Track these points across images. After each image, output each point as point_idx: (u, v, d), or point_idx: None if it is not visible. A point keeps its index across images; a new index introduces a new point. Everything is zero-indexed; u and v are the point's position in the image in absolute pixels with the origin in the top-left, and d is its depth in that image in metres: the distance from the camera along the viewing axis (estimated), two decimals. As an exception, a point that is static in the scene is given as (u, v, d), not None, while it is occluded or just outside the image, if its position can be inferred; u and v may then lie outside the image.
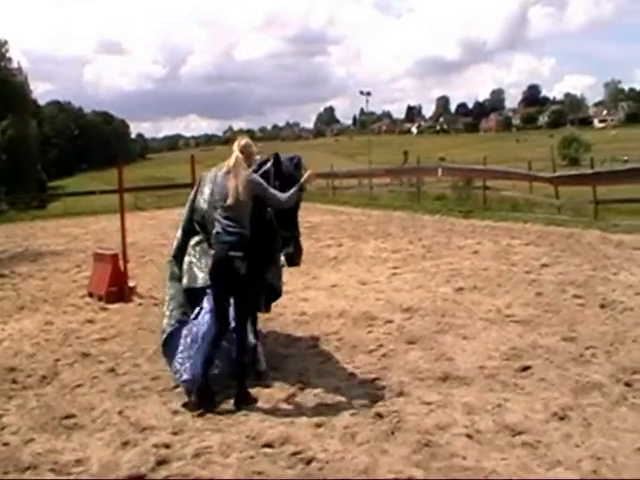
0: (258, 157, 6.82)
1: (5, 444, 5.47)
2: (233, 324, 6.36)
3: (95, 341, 8.66)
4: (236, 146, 6.38)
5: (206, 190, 7.21)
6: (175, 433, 5.55)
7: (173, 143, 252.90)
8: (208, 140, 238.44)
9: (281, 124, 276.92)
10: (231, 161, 6.29)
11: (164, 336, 6.98)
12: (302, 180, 6.37)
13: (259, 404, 6.16)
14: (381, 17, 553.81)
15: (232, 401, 6.18)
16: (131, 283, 11.60)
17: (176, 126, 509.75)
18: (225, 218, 6.20)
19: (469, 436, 5.27)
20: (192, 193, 7.67)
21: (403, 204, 27.49)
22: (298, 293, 10.88)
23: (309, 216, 22.18)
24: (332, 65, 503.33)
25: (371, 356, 7.55)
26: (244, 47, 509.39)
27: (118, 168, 12.42)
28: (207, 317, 6.66)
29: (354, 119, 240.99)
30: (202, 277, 6.95)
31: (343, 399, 6.20)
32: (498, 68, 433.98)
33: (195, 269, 7.14)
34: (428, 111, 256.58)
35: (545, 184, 24.64)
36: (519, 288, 10.75)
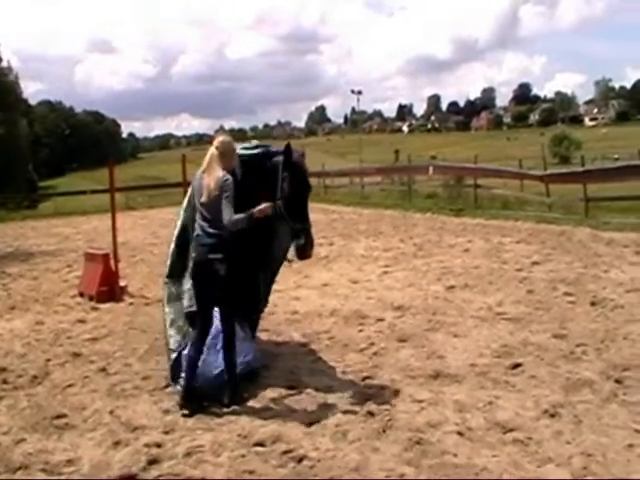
0: (251, 148, 6.78)
1: (-4, 444, 5.45)
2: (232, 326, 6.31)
3: (86, 341, 8.62)
4: (213, 144, 6.25)
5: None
6: (166, 432, 5.53)
7: (164, 142, 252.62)
8: (199, 139, 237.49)
9: (272, 123, 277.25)
10: (206, 159, 6.19)
11: (170, 363, 6.65)
12: (255, 210, 5.98)
13: (250, 403, 6.15)
14: (373, 16, 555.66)
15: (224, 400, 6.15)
16: (122, 283, 11.57)
17: (167, 125, 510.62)
18: (203, 219, 6.08)
19: (460, 433, 5.29)
20: (184, 203, 7.19)
21: (394, 203, 27.51)
22: (289, 292, 10.88)
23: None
24: (324, 64, 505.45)
25: (362, 354, 7.56)
26: (235, 46, 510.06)
27: (109, 168, 12.39)
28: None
29: (345, 118, 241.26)
30: None
31: (334, 397, 6.19)
32: (489, 66, 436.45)
33: None
34: (419, 110, 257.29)
35: (536, 182, 24.75)
36: (510, 286, 10.78)
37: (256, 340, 7.41)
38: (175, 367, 6.50)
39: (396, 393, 6.25)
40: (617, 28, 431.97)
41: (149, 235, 20.54)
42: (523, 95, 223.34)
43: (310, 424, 5.61)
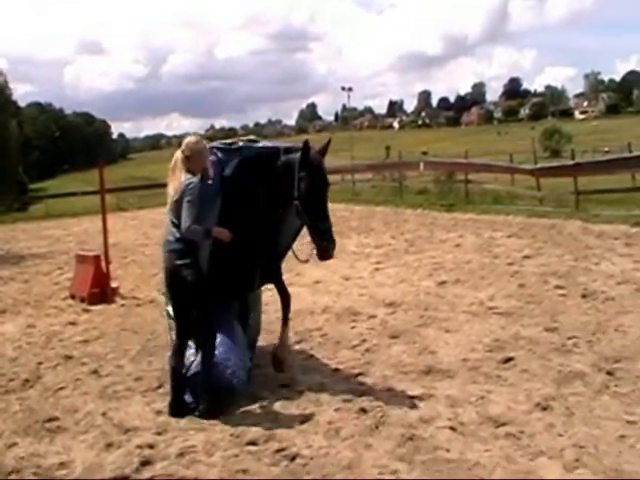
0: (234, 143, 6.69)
1: (-12, 449, 5.43)
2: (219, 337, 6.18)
3: (78, 343, 8.60)
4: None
5: None
6: (159, 433, 5.52)
7: (155, 142, 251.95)
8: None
9: (263, 121, 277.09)
10: (171, 163, 5.99)
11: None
12: (215, 229, 5.87)
13: (242, 401, 6.13)
14: (362, 13, 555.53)
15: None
16: (113, 284, 11.55)
17: (158, 125, 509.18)
18: (171, 224, 5.90)
19: (453, 428, 5.29)
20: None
21: (386, 199, 27.55)
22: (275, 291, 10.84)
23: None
24: (314, 62, 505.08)
25: (354, 351, 7.57)
26: (225, 45, 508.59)
27: (99, 169, 12.37)
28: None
29: (336, 115, 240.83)
30: None
31: (327, 395, 6.18)
32: (479, 62, 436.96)
33: None
34: (410, 106, 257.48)
35: (527, 176, 24.78)
36: (501, 280, 10.80)
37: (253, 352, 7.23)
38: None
39: (388, 389, 6.26)
40: (606, 22, 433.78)
41: (140, 236, 20.53)
42: (513, 89, 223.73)
43: (303, 422, 5.60)
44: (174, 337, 6.39)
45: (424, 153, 71.85)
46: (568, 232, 15.60)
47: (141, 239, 19.54)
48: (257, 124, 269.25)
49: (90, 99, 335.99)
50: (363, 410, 5.73)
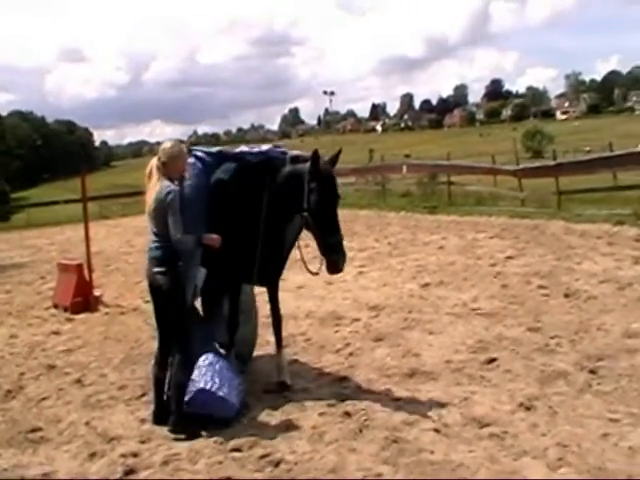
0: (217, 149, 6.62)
1: (-29, 461, 5.39)
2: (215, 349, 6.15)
3: (61, 353, 8.54)
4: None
5: None
6: (143, 442, 5.50)
7: (138, 150, 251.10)
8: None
9: (246, 127, 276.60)
10: (147, 170, 5.81)
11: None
12: (205, 236, 5.73)
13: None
14: (344, 17, 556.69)
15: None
16: (97, 293, 11.48)
17: (140, 132, 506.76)
18: (152, 232, 5.75)
19: (437, 430, 5.31)
20: None
21: (369, 202, 27.53)
22: (264, 295, 10.80)
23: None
24: (296, 66, 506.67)
25: (338, 355, 7.57)
26: (207, 51, 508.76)
27: (81, 177, 12.31)
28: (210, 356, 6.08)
29: (319, 119, 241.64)
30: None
31: (311, 399, 6.19)
32: (461, 64, 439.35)
33: None
34: (392, 109, 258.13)
35: (509, 177, 24.85)
36: (485, 281, 10.84)
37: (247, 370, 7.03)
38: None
39: (372, 392, 6.27)
40: (587, 23, 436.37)
41: (123, 243, 20.42)
42: (495, 91, 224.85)
43: (287, 427, 5.60)
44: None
45: (407, 156, 71.97)
46: (550, 232, 15.68)
47: (124, 247, 19.45)
48: (240, 129, 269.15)
49: (72, 107, 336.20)
50: (347, 414, 5.75)
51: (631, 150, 22.45)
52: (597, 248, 13.05)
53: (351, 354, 7.56)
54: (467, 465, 4.70)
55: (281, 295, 10.74)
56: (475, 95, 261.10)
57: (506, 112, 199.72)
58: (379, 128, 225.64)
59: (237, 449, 5.21)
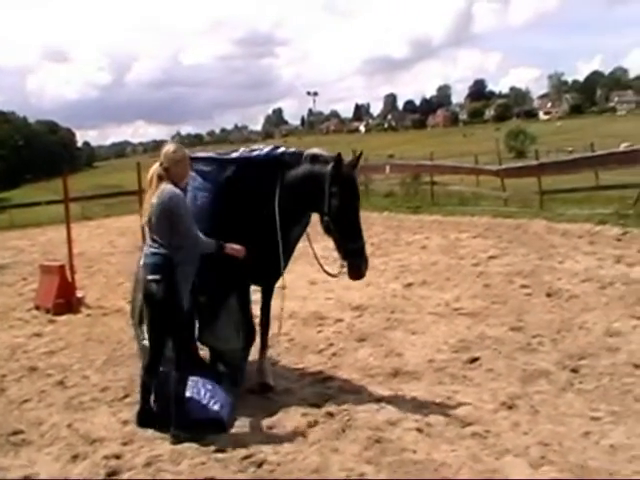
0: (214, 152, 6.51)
1: (-48, 464, 5.35)
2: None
3: (43, 354, 8.47)
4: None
5: None
6: (125, 443, 5.47)
7: (120, 150, 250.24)
8: (156, 146, 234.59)
9: (229, 127, 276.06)
10: (148, 175, 5.52)
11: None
12: (228, 246, 5.57)
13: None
14: (328, 18, 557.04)
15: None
16: (79, 294, 11.41)
17: (123, 133, 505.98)
18: (150, 238, 5.52)
19: (419, 430, 5.32)
20: None
21: (353, 202, 27.50)
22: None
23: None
24: (280, 67, 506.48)
25: (321, 355, 7.58)
26: (191, 51, 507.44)
27: (63, 178, 12.25)
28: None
29: (302, 120, 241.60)
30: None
31: (294, 399, 6.19)
32: (444, 64, 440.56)
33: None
34: (376, 109, 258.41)
35: (492, 177, 24.96)
36: (467, 281, 10.89)
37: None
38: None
39: (355, 392, 6.28)
40: (569, 23, 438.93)
41: (106, 244, 20.29)
42: (478, 91, 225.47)
43: (270, 428, 5.61)
44: (139, 347, 6.36)
45: (391, 156, 72.08)
46: (533, 232, 15.77)
47: (107, 248, 19.32)
48: (224, 130, 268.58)
49: (54, 107, 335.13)
50: (330, 414, 5.75)
51: (613, 150, 22.62)
52: (579, 247, 13.13)
53: (334, 354, 7.56)
54: (450, 464, 4.72)
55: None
56: (458, 95, 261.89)
57: (489, 112, 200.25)
58: (362, 128, 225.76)
59: (220, 450, 5.19)
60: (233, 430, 5.60)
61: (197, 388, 5.90)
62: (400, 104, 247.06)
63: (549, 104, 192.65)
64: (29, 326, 10.17)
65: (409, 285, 10.92)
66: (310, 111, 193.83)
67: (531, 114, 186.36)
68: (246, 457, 5.04)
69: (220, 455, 5.12)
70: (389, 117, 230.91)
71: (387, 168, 30.84)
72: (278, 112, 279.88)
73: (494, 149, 30.40)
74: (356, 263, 5.99)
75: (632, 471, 4.50)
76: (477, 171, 27.24)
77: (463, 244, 14.80)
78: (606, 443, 4.93)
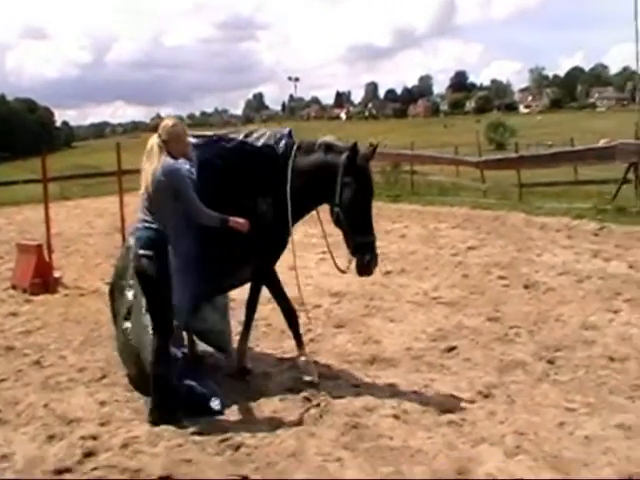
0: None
1: None
2: None
3: (19, 334, 8.41)
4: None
5: None
6: (102, 424, 5.45)
7: (99, 131, 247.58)
8: (135, 127, 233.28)
9: (210, 110, 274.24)
10: (147, 147, 5.43)
11: None
12: (231, 219, 5.39)
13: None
14: (311, 3, 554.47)
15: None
16: (56, 274, 11.34)
17: (102, 113, 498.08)
18: (142, 211, 5.39)
19: (396, 417, 5.36)
20: None
21: (333, 190, 27.53)
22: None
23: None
24: (261, 51, 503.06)
25: (300, 341, 7.58)
26: (172, 32, 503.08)
27: (42, 157, 12.15)
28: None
29: (283, 105, 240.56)
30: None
31: (272, 384, 6.22)
32: (426, 54, 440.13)
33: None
34: (357, 97, 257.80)
35: (472, 168, 25.06)
36: (446, 271, 10.95)
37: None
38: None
39: (333, 378, 6.31)
40: (551, 18, 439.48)
41: (84, 225, 20.14)
42: (460, 83, 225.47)
43: (247, 411, 5.63)
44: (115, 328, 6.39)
45: (371, 145, 71.99)
46: (511, 224, 15.87)
47: (85, 228, 19.18)
48: (204, 113, 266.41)
49: (33, 86, 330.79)
50: (307, 399, 5.78)
51: (592, 146, 22.76)
52: (557, 241, 13.24)
53: (312, 340, 7.57)
54: (426, 451, 4.76)
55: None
56: (440, 86, 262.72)
57: (470, 104, 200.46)
58: (343, 116, 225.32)
59: (197, 433, 5.20)
60: (210, 413, 5.60)
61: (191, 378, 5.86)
62: (381, 93, 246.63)
63: (530, 98, 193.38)
64: (5, 305, 10.09)
65: (388, 273, 10.95)
66: (291, 97, 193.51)
67: (511, 107, 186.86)
68: (223, 440, 5.05)
69: (197, 438, 5.12)
70: (370, 105, 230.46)
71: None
72: (259, 97, 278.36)
73: (474, 141, 30.55)
74: (366, 258, 5.91)
75: (606, 462, 4.55)
76: (457, 162, 27.32)
77: (442, 234, 14.88)
78: (581, 434, 4.98)
